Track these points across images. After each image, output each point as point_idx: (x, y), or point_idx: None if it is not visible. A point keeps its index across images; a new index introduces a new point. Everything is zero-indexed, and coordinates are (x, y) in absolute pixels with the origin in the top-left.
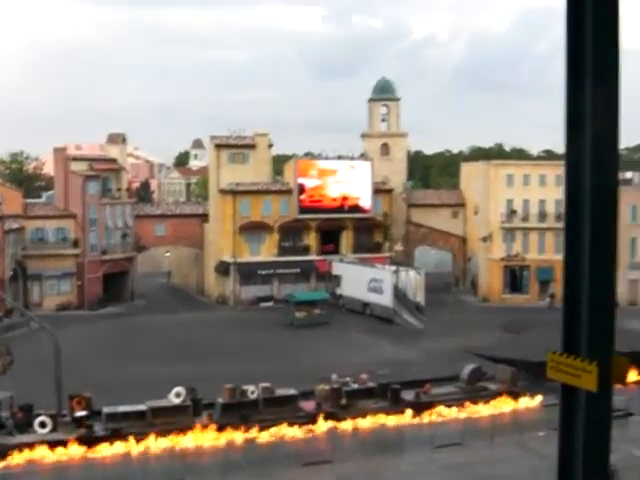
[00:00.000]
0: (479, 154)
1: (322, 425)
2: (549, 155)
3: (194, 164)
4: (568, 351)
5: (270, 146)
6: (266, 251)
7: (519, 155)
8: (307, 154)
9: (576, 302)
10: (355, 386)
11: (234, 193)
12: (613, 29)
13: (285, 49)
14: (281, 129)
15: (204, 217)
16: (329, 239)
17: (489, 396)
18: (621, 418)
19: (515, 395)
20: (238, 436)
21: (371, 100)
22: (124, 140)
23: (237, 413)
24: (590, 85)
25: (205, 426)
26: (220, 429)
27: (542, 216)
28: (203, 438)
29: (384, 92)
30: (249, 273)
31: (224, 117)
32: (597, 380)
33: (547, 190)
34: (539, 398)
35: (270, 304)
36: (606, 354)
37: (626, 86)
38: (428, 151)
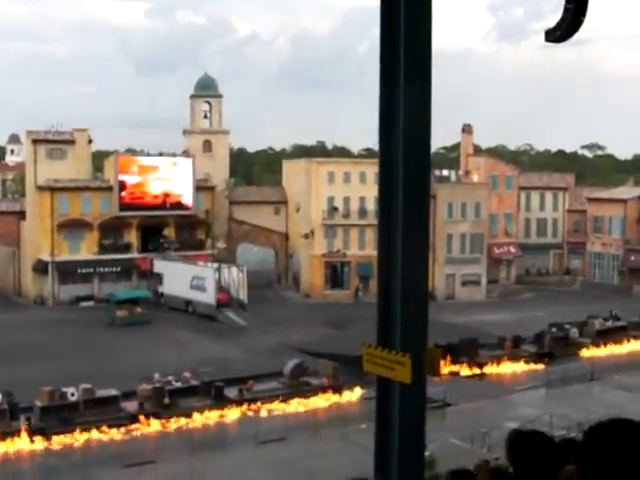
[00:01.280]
0: (301, 152)
1: (145, 425)
2: (369, 153)
3: (10, 160)
4: (383, 344)
5: (90, 142)
6: (86, 249)
7: (340, 153)
8: (128, 150)
9: (389, 296)
10: (178, 385)
11: (52, 189)
12: (426, 30)
13: (107, 43)
14: (102, 125)
15: (21, 214)
16: (151, 236)
17: (312, 391)
18: (439, 408)
19: (337, 389)
20: (58, 439)
21: (193, 96)
22: None
23: (56, 416)
24: (402, 85)
25: (23, 430)
26: (39, 433)
27: (362, 213)
28: (21, 443)
29: (206, 89)
30: (68, 272)
31: (43, 112)
32: (411, 372)
33: (367, 187)
34: (360, 391)
35: (90, 303)
36: (419, 346)
37: (445, 89)
38: (251, 149)
